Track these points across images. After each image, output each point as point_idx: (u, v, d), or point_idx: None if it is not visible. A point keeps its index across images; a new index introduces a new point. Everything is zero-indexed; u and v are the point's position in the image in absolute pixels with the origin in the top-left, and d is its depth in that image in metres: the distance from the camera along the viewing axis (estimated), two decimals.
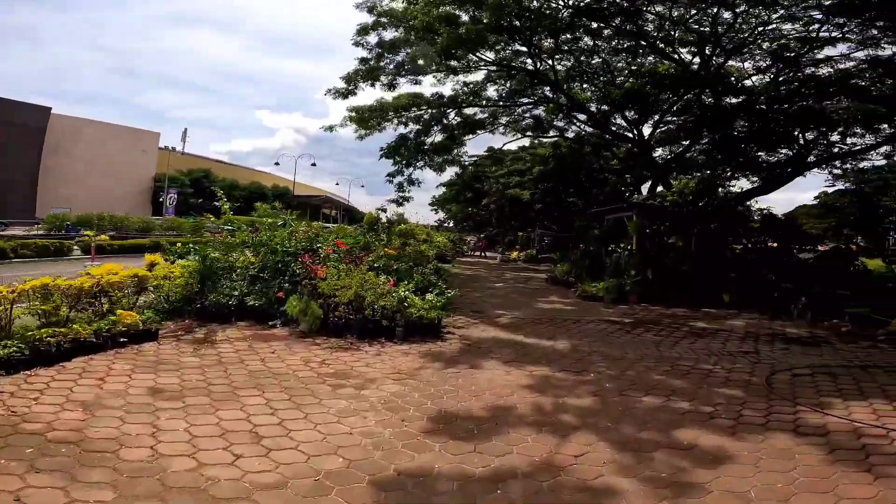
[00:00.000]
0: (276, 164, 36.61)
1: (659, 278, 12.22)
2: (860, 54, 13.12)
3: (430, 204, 69.70)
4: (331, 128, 21.97)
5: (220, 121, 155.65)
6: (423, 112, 22.52)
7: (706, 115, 14.17)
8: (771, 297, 11.28)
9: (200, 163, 71.70)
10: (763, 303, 11.34)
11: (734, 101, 14.62)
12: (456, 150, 28.88)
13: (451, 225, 68.35)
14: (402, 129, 22.94)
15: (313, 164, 32.45)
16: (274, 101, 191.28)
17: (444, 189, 34.62)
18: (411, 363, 5.71)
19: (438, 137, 24.20)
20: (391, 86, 19.99)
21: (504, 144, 28.94)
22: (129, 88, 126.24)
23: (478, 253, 34.25)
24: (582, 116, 24.03)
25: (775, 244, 12.82)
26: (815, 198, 26.20)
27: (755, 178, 18.41)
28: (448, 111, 23.14)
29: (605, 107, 20.79)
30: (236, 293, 7.52)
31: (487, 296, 12.44)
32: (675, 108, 20.38)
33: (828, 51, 14.20)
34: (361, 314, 6.97)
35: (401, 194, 22.38)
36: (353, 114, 21.26)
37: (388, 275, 8.82)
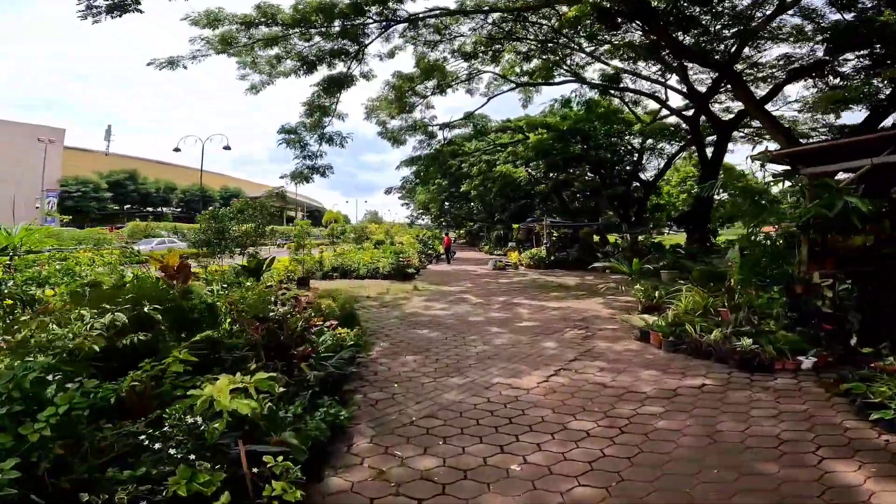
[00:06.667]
0: (177, 150, 26.14)
1: None
2: None
3: (385, 192, 58.08)
4: (172, 63, 11.59)
5: (173, 125, 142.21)
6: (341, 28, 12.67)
7: None
8: None
9: (128, 163, 60.20)
10: None
11: None
12: (421, 113, 19.35)
13: (428, 221, 57.43)
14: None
15: (226, 148, 22.60)
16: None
17: (406, 171, 24.61)
18: None
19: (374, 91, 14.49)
20: None
21: (489, 99, 19.19)
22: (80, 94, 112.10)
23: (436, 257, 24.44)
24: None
25: None
26: None
27: None
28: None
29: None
30: None
31: None
32: None
33: None
34: None
35: (308, 162, 12.16)
36: (205, 19, 11.18)
37: None
